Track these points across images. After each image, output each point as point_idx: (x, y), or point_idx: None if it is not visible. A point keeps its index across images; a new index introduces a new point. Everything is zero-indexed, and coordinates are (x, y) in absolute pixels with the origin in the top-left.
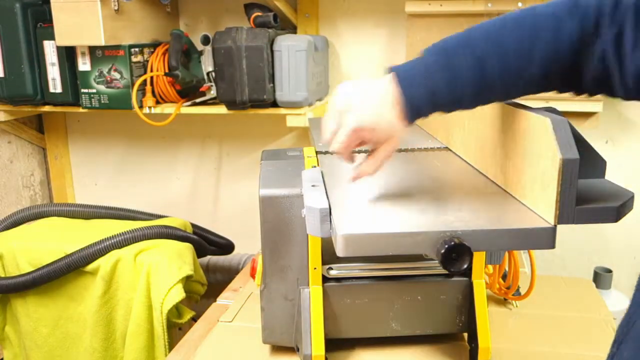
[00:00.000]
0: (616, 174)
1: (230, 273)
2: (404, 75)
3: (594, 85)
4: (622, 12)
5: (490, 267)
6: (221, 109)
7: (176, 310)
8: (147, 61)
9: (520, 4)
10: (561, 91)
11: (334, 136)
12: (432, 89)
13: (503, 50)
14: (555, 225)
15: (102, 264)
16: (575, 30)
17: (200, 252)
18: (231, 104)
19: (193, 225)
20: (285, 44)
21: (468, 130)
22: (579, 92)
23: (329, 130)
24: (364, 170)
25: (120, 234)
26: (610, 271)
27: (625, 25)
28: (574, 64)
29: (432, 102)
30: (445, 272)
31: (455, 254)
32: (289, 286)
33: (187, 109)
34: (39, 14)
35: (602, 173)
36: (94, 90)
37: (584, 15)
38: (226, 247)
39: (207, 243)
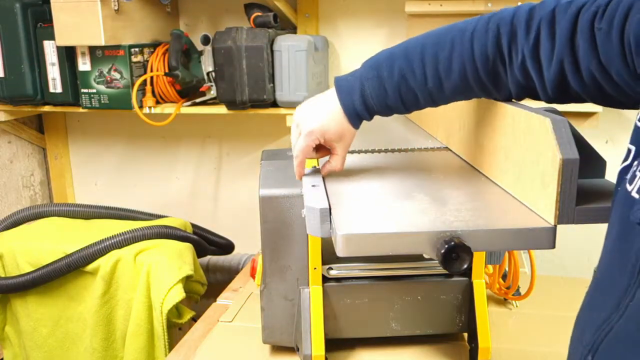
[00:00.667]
0: (616, 174)
1: (230, 273)
2: (343, 86)
3: (518, 92)
4: (537, 23)
5: (490, 267)
6: (221, 109)
7: (176, 310)
8: (147, 61)
9: (519, 4)
10: (489, 97)
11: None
12: (364, 98)
13: (422, 65)
14: (555, 225)
15: (102, 264)
16: (491, 44)
17: (200, 252)
18: (231, 104)
19: (193, 225)
20: (285, 44)
21: (468, 130)
22: (506, 98)
23: (293, 142)
24: (332, 166)
25: (120, 234)
26: None
27: (540, 35)
28: (495, 74)
29: (367, 109)
30: (445, 272)
31: (455, 254)
32: (289, 286)
33: (187, 109)
34: (39, 14)
35: (602, 173)
36: (94, 90)
37: (498, 31)
38: (226, 247)
39: (207, 243)
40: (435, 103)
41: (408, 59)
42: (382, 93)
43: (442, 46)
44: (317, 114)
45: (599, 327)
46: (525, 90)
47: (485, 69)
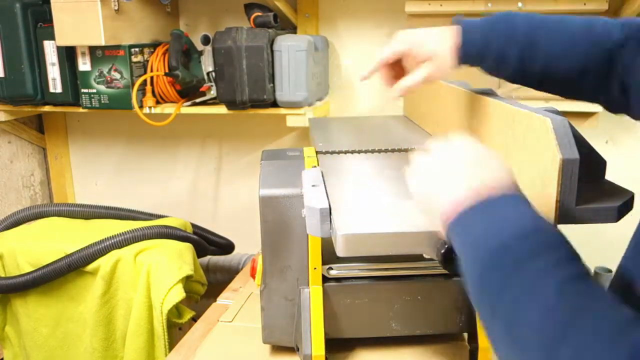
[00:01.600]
0: (616, 174)
1: (230, 273)
2: (469, 23)
3: (618, 94)
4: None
5: None
6: (221, 109)
7: (176, 310)
8: (147, 61)
9: (520, 4)
10: (592, 97)
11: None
12: (487, 43)
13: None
14: (556, 225)
15: (102, 264)
16: (619, 40)
17: (200, 252)
18: (231, 104)
19: (193, 225)
20: (285, 44)
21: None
22: (606, 103)
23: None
24: (405, 83)
25: (120, 234)
26: (610, 271)
27: None
28: (609, 65)
29: (482, 53)
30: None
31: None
32: (289, 286)
33: (187, 109)
34: (39, 14)
35: (602, 173)
36: (94, 90)
37: (627, 35)
38: (226, 247)
39: (207, 243)
40: (541, 84)
41: (545, 32)
42: (504, 51)
43: (574, 30)
44: (428, 31)
45: None
46: (624, 95)
47: (604, 61)
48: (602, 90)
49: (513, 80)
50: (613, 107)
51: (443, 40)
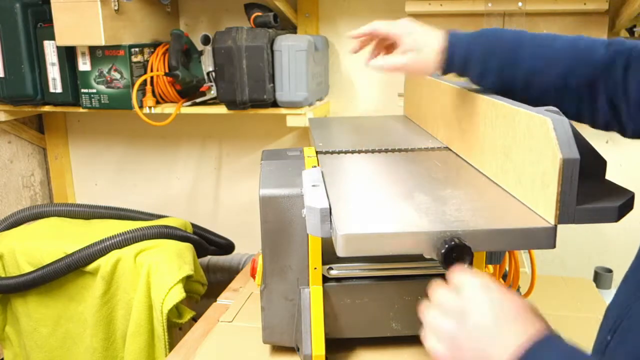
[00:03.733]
0: (616, 174)
1: (230, 273)
2: (456, 34)
3: (606, 111)
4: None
5: (490, 267)
6: (221, 109)
7: (176, 310)
8: (147, 61)
9: (520, 4)
10: (575, 116)
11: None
12: (469, 52)
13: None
14: (556, 225)
15: (102, 264)
16: (603, 57)
17: (200, 252)
18: (231, 104)
19: (193, 225)
20: (285, 44)
21: (468, 130)
22: (592, 121)
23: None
24: (382, 62)
25: (120, 234)
26: (610, 271)
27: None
28: (593, 83)
29: (464, 62)
30: (445, 272)
31: (455, 254)
32: (289, 286)
33: (187, 109)
34: (39, 14)
35: (602, 173)
36: (94, 90)
37: (616, 51)
38: (226, 247)
39: (207, 243)
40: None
41: (525, 48)
42: (484, 66)
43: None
44: (419, 27)
45: (620, 308)
46: (613, 114)
47: (588, 75)
48: (586, 107)
49: (496, 92)
50: (599, 124)
51: (432, 40)
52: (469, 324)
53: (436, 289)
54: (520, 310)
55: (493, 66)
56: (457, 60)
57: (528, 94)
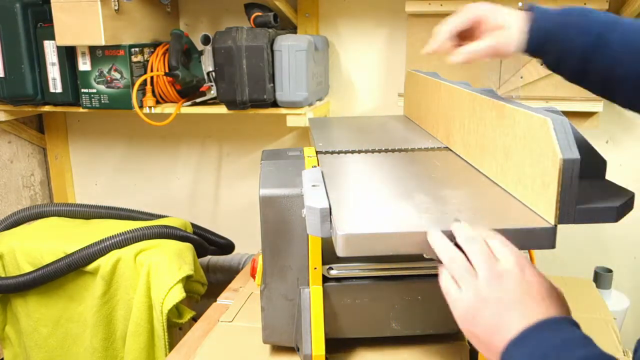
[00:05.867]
0: (616, 174)
1: (230, 273)
2: (542, 9)
3: None
4: None
5: None
6: (221, 109)
7: (176, 310)
8: (147, 61)
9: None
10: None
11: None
12: (557, 32)
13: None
14: (556, 225)
15: (102, 264)
16: None
17: (200, 252)
18: (231, 104)
19: (193, 225)
20: (285, 43)
21: (468, 130)
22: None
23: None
24: (470, 48)
25: (120, 234)
26: (610, 271)
27: None
28: None
29: (549, 41)
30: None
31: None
32: (289, 286)
33: (187, 109)
34: (39, 14)
35: (602, 173)
36: (94, 90)
37: None
38: (226, 247)
39: (207, 243)
40: (603, 92)
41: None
42: (570, 42)
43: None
44: (501, 7)
45: None
46: None
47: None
48: None
49: (573, 79)
50: None
51: (514, 18)
52: (500, 288)
53: (483, 248)
54: (546, 293)
55: (576, 51)
56: (539, 40)
57: (609, 84)
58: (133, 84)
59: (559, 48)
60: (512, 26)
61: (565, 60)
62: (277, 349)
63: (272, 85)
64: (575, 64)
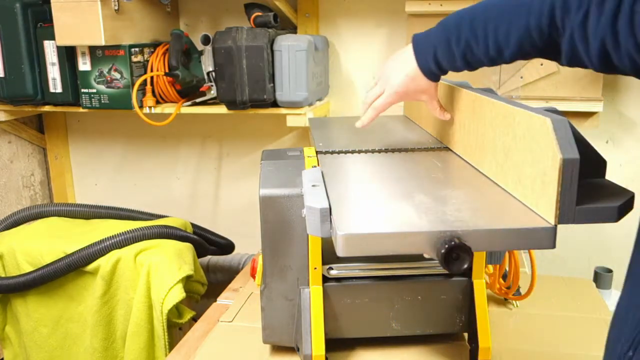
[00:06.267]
0: (616, 174)
1: (230, 273)
2: (419, 49)
3: (568, 60)
4: (588, 1)
5: (490, 267)
6: (221, 109)
7: (176, 310)
8: (147, 61)
9: None
10: (550, 59)
11: (376, 97)
12: (437, 61)
13: (485, 35)
14: (556, 225)
15: (102, 264)
16: (546, 17)
17: (200, 252)
18: (231, 104)
19: (193, 225)
20: (285, 43)
21: (468, 129)
22: (559, 62)
23: (368, 92)
24: (434, 113)
25: (120, 234)
26: (610, 271)
27: (589, 12)
28: (552, 43)
29: (440, 69)
30: (445, 272)
31: (456, 254)
32: (289, 286)
33: (187, 109)
34: (39, 13)
35: (602, 173)
36: (94, 90)
37: (553, 4)
38: (226, 247)
39: (207, 243)
40: (497, 64)
41: (473, 29)
42: (451, 57)
43: (503, 18)
44: (399, 74)
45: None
46: (575, 60)
47: (542, 40)
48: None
49: (495, 65)
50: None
51: (415, 76)
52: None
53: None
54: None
55: (458, 54)
56: (431, 65)
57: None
58: (133, 84)
59: (447, 64)
60: (424, 88)
61: (456, 67)
62: (277, 349)
63: (272, 85)
64: (465, 67)
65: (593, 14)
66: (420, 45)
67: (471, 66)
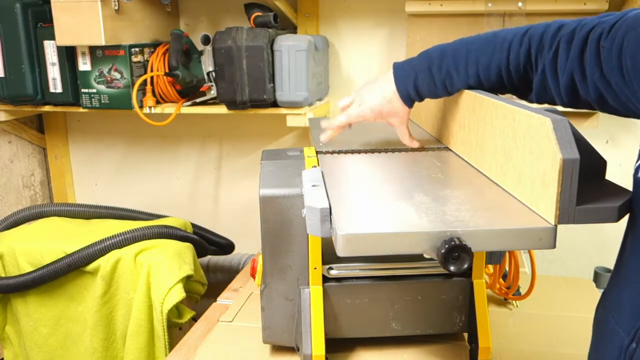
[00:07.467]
0: (616, 174)
1: (230, 273)
2: (400, 75)
3: (538, 96)
4: (558, 39)
5: (490, 267)
6: (221, 109)
7: (176, 310)
8: (148, 61)
9: (520, 4)
10: (520, 97)
11: (348, 108)
12: (417, 87)
13: (465, 67)
14: (556, 225)
15: (102, 264)
16: (523, 54)
17: (200, 252)
18: (231, 104)
19: (193, 225)
20: (285, 43)
21: (468, 130)
22: (529, 99)
23: (345, 102)
24: (401, 138)
25: (120, 234)
26: (610, 271)
27: (559, 50)
28: (526, 80)
29: (419, 95)
30: (445, 272)
31: (456, 254)
32: (289, 286)
33: (187, 109)
34: (39, 13)
35: (602, 173)
36: (94, 90)
37: (529, 43)
38: (226, 247)
39: (207, 243)
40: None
41: (455, 59)
42: (431, 84)
43: (484, 52)
44: (376, 94)
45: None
46: (544, 96)
47: (518, 76)
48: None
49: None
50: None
51: (391, 98)
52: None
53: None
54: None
55: (438, 81)
56: (410, 90)
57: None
58: (133, 84)
59: (427, 95)
60: (397, 111)
61: (437, 96)
62: (277, 349)
63: (272, 85)
64: (445, 95)
65: (562, 51)
66: (402, 70)
67: (449, 93)
